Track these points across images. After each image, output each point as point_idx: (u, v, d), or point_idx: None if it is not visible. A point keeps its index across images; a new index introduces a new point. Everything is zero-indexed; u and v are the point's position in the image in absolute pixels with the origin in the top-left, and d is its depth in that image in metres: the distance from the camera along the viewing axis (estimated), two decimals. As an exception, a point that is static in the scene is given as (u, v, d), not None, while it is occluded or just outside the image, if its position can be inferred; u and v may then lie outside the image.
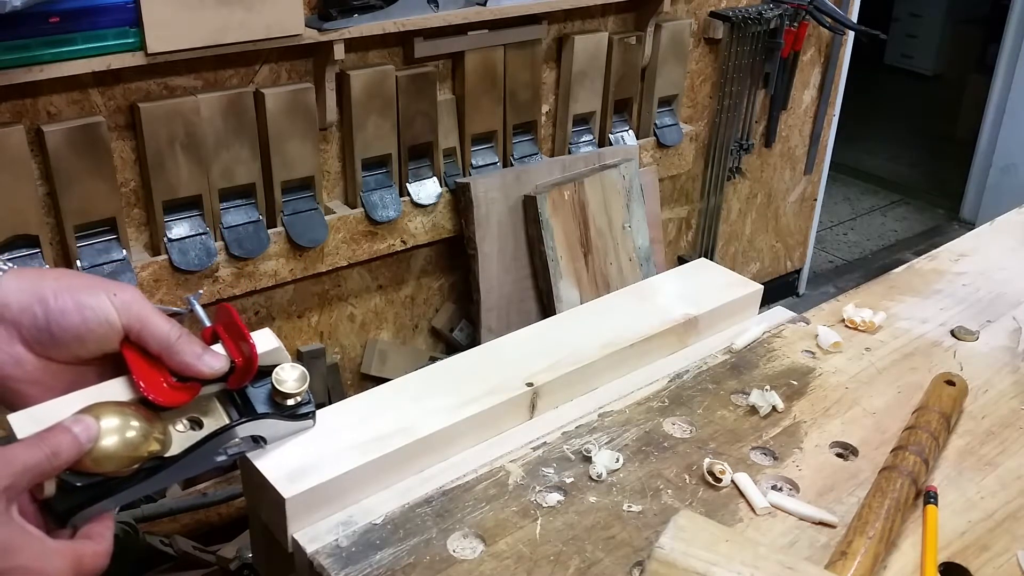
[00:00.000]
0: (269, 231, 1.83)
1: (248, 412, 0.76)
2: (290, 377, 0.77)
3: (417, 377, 0.93)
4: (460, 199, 2.10)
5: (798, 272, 3.31)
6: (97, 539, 0.65)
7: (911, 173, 4.48)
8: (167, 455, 0.71)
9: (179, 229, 1.74)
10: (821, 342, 1.05)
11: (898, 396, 0.97)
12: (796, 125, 2.96)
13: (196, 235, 1.75)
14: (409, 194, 2.03)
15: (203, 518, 1.73)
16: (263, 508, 0.82)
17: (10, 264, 0.71)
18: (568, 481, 0.84)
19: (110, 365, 0.73)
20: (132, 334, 0.71)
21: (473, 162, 2.14)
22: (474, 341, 2.20)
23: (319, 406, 0.84)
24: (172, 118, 1.66)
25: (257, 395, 0.77)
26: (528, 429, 0.91)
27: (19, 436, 0.66)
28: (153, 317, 0.71)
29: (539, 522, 0.79)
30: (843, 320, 1.10)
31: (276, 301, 1.99)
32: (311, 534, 0.78)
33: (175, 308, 0.77)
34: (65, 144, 1.56)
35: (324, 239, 1.90)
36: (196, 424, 0.74)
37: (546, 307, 2.20)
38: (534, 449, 0.88)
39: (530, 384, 0.92)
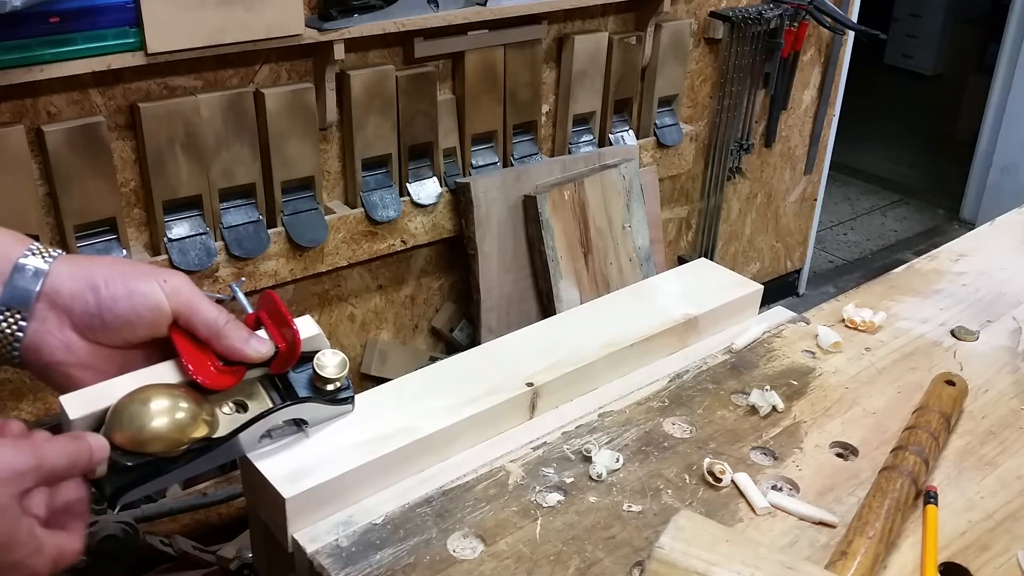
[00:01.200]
0: (269, 231, 1.83)
1: (290, 396, 0.78)
2: (331, 363, 0.79)
3: (417, 377, 0.93)
4: (460, 199, 2.10)
5: (798, 272, 3.31)
6: (74, 534, 0.66)
7: (911, 173, 4.48)
8: (214, 437, 0.73)
9: (179, 229, 1.75)
10: (821, 342, 1.05)
11: (898, 396, 0.97)
12: (796, 125, 2.96)
13: (196, 235, 1.75)
14: (409, 194, 2.03)
15: (203, 518, 1.73)
16: (263, 508, 0.82)
17: (59, 251, 0.72)
18: (568, 481, 0.84)
19: (157, 349, 0.74)
20: (181, 319, 0.73)
21: (473, 162, 2.14)
22: (474, 341, 2.20)
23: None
24: (172, 118, 1.66)
25: (299, 380, 0.79)
26: (528, 429, 0.91)
27: (71, 417, 0.69)
28: (202, 303, 0.73)
29: (539, 522, 0.79)
30: (843, 320, 1.10)
31: (276, 301, 1.98)
32: (311, 534, 0.78)
33: (218, 295, 0.78)
34: (65, 144, 1.56)
35: (324, 239, 1.90)
36: (241, 407, 0.76)
37: (546, 307, 2.20)
38: (534, 449, 0.88)
39: (530, 384, 0.92)
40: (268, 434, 0.78)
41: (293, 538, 0.78)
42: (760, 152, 2.89)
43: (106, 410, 0.70)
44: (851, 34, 2.86)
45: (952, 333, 1.09)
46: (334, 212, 1.94)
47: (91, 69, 1.51)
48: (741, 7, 2.52)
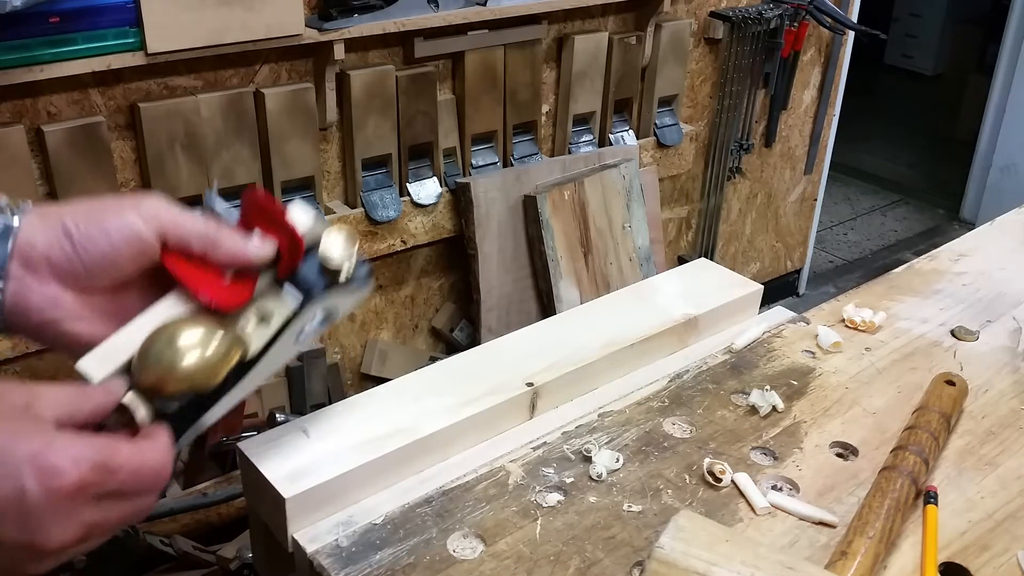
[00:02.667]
0: (269, 231, 1.83)
1: (307, 291, 0.72)
2: (336, 246, 0.72)
3: (417, 377, 0.93)
4: (460, 199, 2.09)
5: (798, 272, 3.31)
6: (146, 439, 0.61)
7: (911, 173, 4.48)
8: (249, 357, 0.68)
9: (179, 229, 1.74)
10: (821, 342, 1.05)
11: (898, 396, 0.97)
12: (796, 125, 2.96)
13: (196, 235, 1.75)
14: (409, 194, 2.03)
15: (203, 518, 1.73)
16: (263, 508, 0.82)
17: (26, 202, 0.67)
18: (568, 481, 0.84)
19: (150, 284, 0.69)
20: (170, 240, 0.67)
21: (473, 162, 2.14)
22: (474, 341, 2.20)
23: (319, 406, 0.83)
24: (172, 118, 1.66)
25: (309, 272, 0.72)
26: (528, 429, 0.91)
27: (96, 381, 0.64)
28: (185, 217, 0.68)
29: (539, 522, 0.79)
30: (843, 320, 1.10)
31: (276, 301, 1.98)
32: (311, 534, 0.78)
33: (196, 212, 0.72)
34: (65, 144, 1.56)
35: (324, 239, 1.90)
36: (264, 319, 0.71)
37: (546, 307, 2.20)
38: (534, 449, 0.88)
39: (530, 384, 0.92)
40: (300, 337, 0.73)
41: (293, 538, 0.78)
42: (760, 152, 2.89)
43: (129, 362, 0.65)
44: (851, 34, 2.86)
45: (952, 333, 1.09)
46: (334, 212, 1.94)
47: (91, 69, 1.51)
48: (741, 7, 2.52)
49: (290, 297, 0.72)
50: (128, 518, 0.60)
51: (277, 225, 0.71)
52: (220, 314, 0.68)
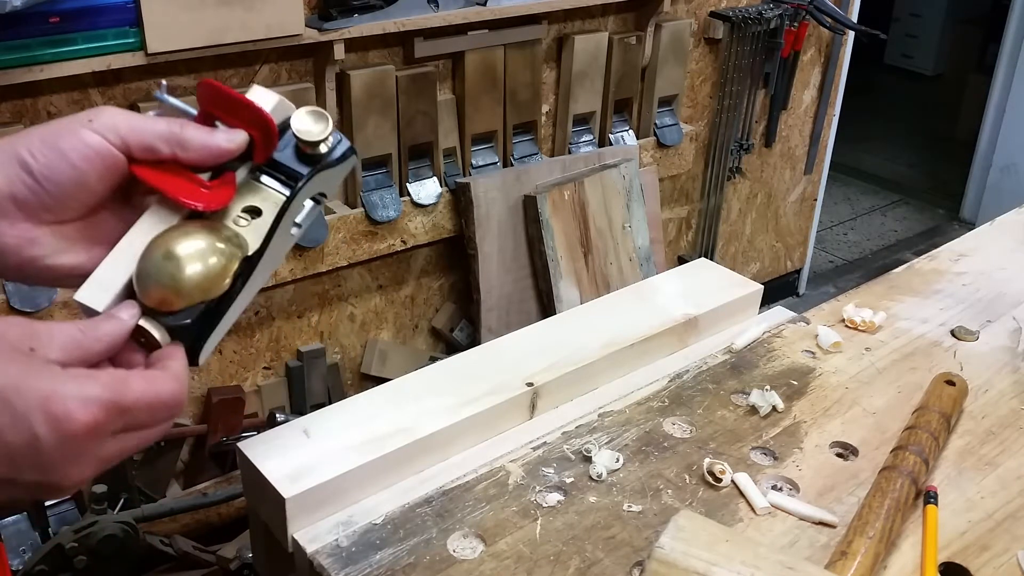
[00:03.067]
0: (269, 231, 1.83)
1: (291, 176, 0.68)
2: (310, 123, 0.69)
3: (417, 377, 0.93)
4: (460, 199, 2.10)
5: (798, 272, 3.31)
6: (158, 368, 0.59)
7: (911, 173, 4.48)
8: (250, 254, 0.66)
9: (179, 229, 1.74)
10: (821, 342, 1.05)
11: (898, 396, 0.97)
12: (796, 125, 2.96)
13: (196, 235, 1.75)
14: (409, 194, 2.03)
15: (203, 518, 1.73)
16: (263, 508, 0.82)
17: None
18: (568, 481, 0.84)
19: (125, 201, 0.67)
20: (134, 149, 0.63)
21: (473, 162, 2.14)
22: (474, 341, 2.20)
23: (319, 406, 0.83)
24: (172, 118, 1.65)
25: (288, 156, 0.69)
26: (528, 429, 0.91)
27: (100, 310, 0.61)
28: (145, 121, 0.64)
29: (539, 522, 0.79)
30: (843, 320, 1.10)
31: (276, 301, 1.98)
32: (311, 534, 0.78)
33: (151, 112, 0.68)
34: (65, 144, 1.56)
35: (324, 239, 1.90)
36: (254, 213, 0.68)
37: (546, 307, 2.20)
38: (534, 449, 0.88)
39: (530, 384, 0.92)
40: (296, 224, 0.69)
41: (293, 538, 0.78)
42: (760, 152, 2.89)
43: (129, 284, 0.62)
44: (851, 34, 2.86)
45: (952, 333, 1.09)
46: (334, 212, 1.94)
47: (91, 69, 1.51)
48: (741, 7, 2.52)
49: (275, 184, 0.68)
50: (146, 444, 0.60)
51: (242, 112, 0.67)
52: (208, 217, 0.65)
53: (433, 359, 2.22)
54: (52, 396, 0.53)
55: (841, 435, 0.91)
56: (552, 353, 0.96)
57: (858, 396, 0.97)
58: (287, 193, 0.68)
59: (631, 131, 2.42)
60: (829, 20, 2.66)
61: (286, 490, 0.76)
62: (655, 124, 2.46)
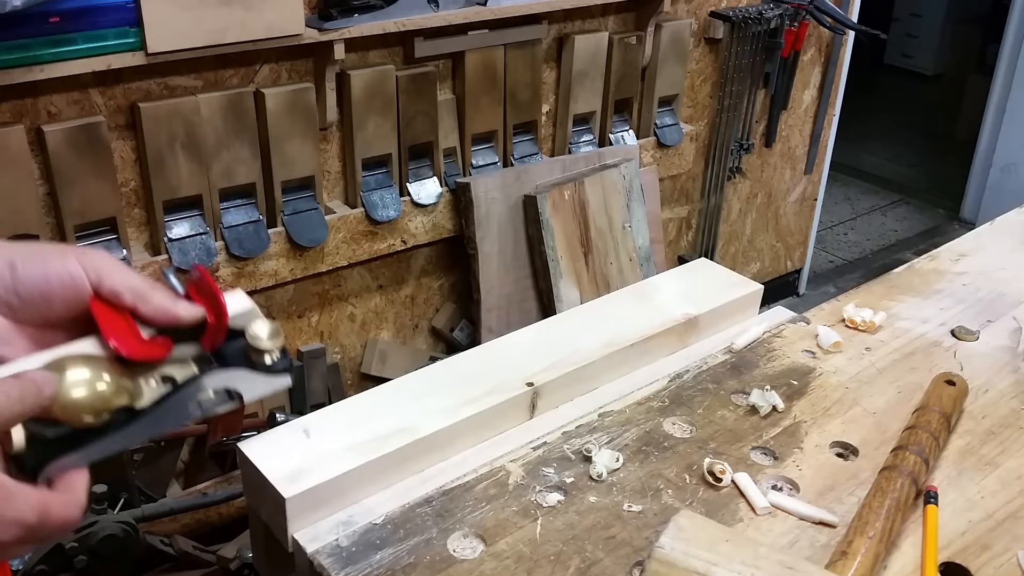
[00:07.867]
0: (269, 231, 1.83)
1: (214, 360, 0.74)
2: (263, 332, 0.75)
3: (417, 377, 0.93)
4: (460, 199, 2.10)
5: (798, 272, 3.31)
6: (69, 491, 0.65)
7: (911, 173, 4.48)
8: (137, 407, 0.70)
9: (179, 229, 1.74)
10: (821, 342, 1.05)
11: (898, 396, 0.97)
12: (796, 125, 2.96)
13: (196, 235, 1.75)
14: (409, 194, 2.03)
15: (203, 518, 1.73)
16: (263, 508, 0.82)
17: None
18: (568, 481, 0.84)
19: (78, 328, 0.72)
20: (103, 289, 0.70)
21: (473, 162, 2.14)
22: (474, 341, 2.20)
23: (319, 406, 0.83)
24: (172, 118, 1.66)
25: (233, 354, 0.75)
26: (528, 429, 0.91)
27: None
28: (124, 270, 0.71)
29: (539, 522, 0.79)
30: (843, 320, 1.10)
31: (276, 301, 1.99)
32: (311, 534, 0.78)
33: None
34: (65, 144, 1.56)
35: (324, 239, 1.90)
36: (170, 382, 0.73)
37: (546, 307, 2.20)
38: (534, 449, 0.88)
39: (530, 384, 0.92)
40: (198, 404, 0.74)
41: (293, 538, 0.78)
42: (760, 152, 2.89)
43: None
44: (851, 34, 2.86)
45: (952, 333, 1.09)
46: (334, 212, 1.94)
47: (91, 69, 1.51)
48: (741, 7, 2.52)
49: (196, 364, 0.74)
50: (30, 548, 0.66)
51: (211, 300, 0.74)
52: (127, 364, 0.70)
53: (433, 359, 2.22)
54: None
55: (841, 435, 0.91)
56: (552, 353, 0.96)
57: (858, 396, 0.97)
58: (196, 371, 0.73)
59: (631, 131, 2.42)
60: (829, 20, 2.66)
61: (286, 490, 0.76)
62: (655, 124, 2.46)
